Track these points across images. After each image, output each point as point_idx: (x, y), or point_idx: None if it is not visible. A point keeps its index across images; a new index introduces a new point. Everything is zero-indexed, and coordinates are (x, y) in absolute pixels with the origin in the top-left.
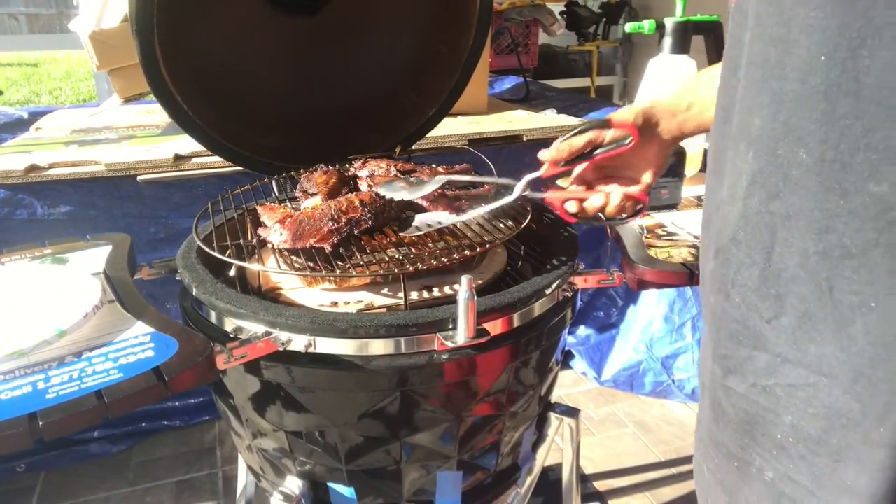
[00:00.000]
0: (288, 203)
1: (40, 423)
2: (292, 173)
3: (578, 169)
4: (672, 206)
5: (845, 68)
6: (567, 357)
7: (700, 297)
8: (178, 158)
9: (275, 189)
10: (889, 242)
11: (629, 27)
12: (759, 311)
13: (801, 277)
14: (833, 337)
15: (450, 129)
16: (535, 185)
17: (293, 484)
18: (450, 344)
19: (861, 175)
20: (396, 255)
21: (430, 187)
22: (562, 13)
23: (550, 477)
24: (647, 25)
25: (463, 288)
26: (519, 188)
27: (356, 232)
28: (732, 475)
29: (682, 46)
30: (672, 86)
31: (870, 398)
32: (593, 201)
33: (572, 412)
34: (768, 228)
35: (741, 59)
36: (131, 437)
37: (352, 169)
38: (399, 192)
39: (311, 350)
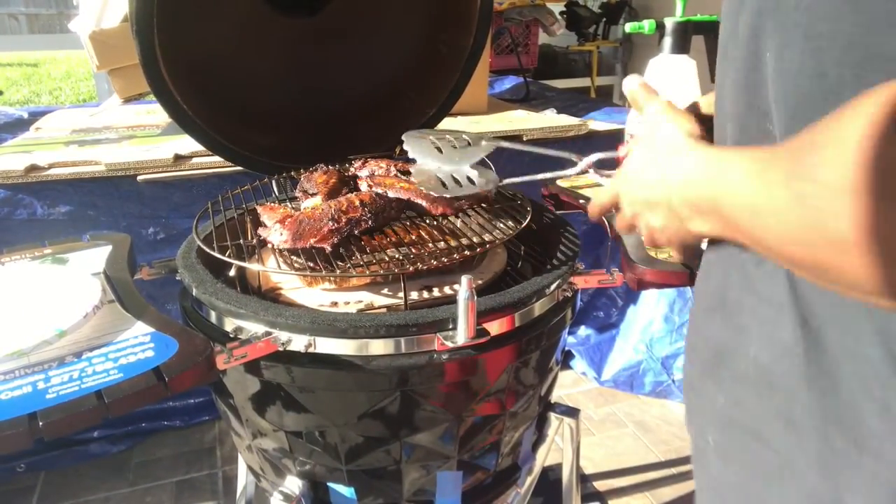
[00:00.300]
0: (288, 203)
1: (40, 423)
2: (292, 173)
3: None
4: None
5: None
6: (567, 357)
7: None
8: (178, 158)
9: (275, 189)
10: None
11: (629, 27)
12: (730, 251)
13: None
14: (785, 276)
15: (450, 129)
16: (601, 165)
17: (293, 484)
18: (450, 344)
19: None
20: (396, 255)
21: (479, 154)
22: (562, 13)
23: (550, 477)
24: (647, 25)
25: (463, 288)
26: (584, 163)
27: (356, 232)
28: (690, 399)
29: (682, 46)
30: (672, 86)
31: (804, 332)
32: None
33: (572, 412)
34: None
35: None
36: (131, 437)
37: (352, 169)
38: (438, 159)
39: (311, 350)
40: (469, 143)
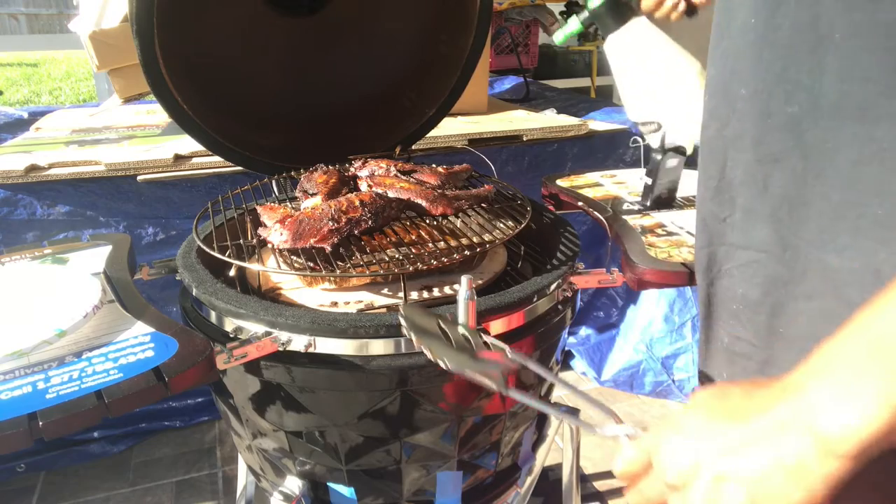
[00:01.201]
0: (288, 203)
1: (40, 423)
2: (292, 173)
3: None
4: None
5: (767, 26)
6: (567, 357)
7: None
8: (178, 158)
9: (275, 189)
10: (802, 146)
11: (558, 40)
12: (716, 214)
13: (746, 181)
14: (768, 222)
15: (450, 129)
16: None
17: (293, 484)
18: None
19: (780, 100)
20: (396, 255)
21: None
22: (562, 13)
23: (550, 477)
24: (572, 25)
25: (463, 288)
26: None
27: (356, 232)
28: (702, 348)
29: (624, 15)
30: (642, 59)
31: (793, 263)
32: None
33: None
34: (721, 150)
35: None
36: (131, 438)
37: (352, 169)
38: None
39: (311, 350)
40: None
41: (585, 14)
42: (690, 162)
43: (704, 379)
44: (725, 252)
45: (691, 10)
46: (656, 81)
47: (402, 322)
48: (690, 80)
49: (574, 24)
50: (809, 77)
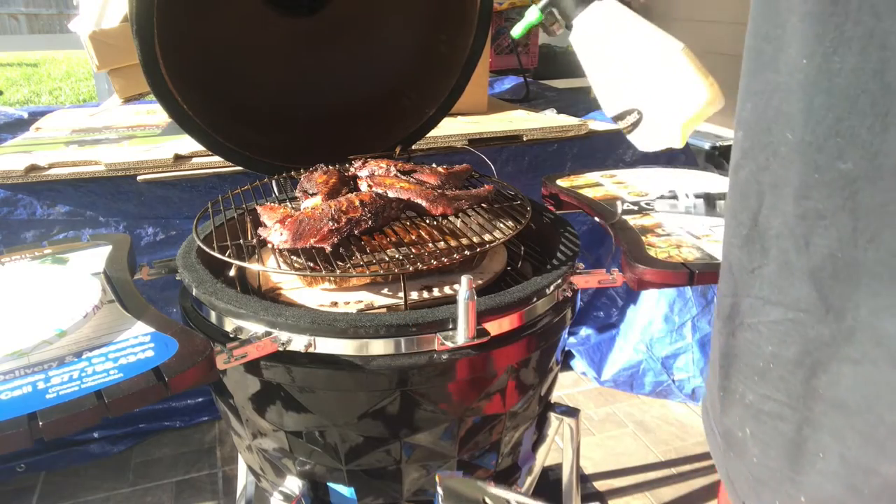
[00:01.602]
0: (288, 203)
1: (40, 423)
2: (292, 173)
3: None
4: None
5: (820, 70)
6: (567, 357)
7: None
8: (178, 158)
9: (275, 189)
10: (852, 208)
11: (516, 33)
12: (744, 264)
13: (784, 234)
14: (808, 280)
15: (450, 129)
16: None
17: (293, 484)
18: (450, 344)
19: (831, 155)
20: (396, 255)
21: None
22: None
23: (550, 477)
24: (532, 15)
25: (463, 288)
26: None
27: (356, 232)
28: (716, 403)
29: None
30: (613, 43)
31: (839, 324)
32: None
33: (572, 412)
34: (756, 195)
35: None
36: (131, 438)
37: (352, 169)
38: None
39: (311, 350)
40: None
41: (543, 1)
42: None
43: (726, 433)
44: (751, 305)
45: None
46: (634, 66)
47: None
48: (674, 61)
49: (533, 14)
50: (869, 133)
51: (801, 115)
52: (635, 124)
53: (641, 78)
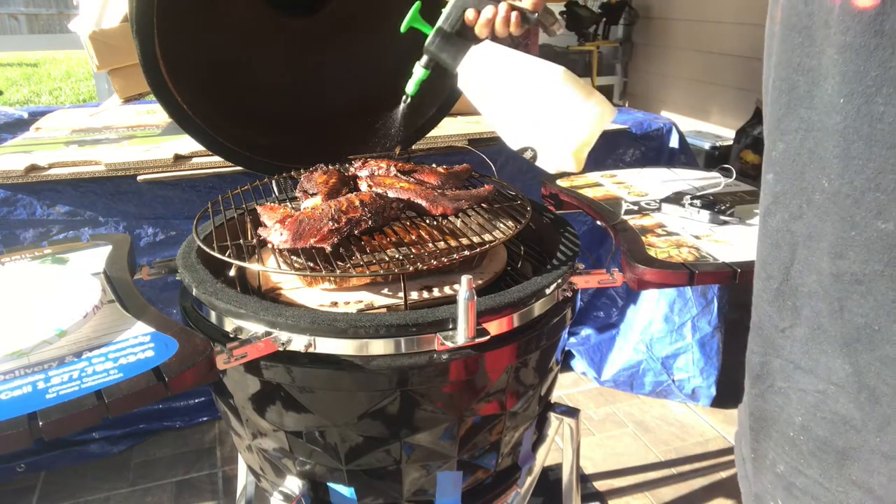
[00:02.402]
0: (288, 203)
1: (40, 423)
2: (292, 173)
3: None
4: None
5: (860, 113)
6: (567, 357)
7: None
8: (178, 158)
9: (275, 189)
10: (891, 275)
11: (410, 90)
12: (774, 322)
13: (817, 293)
14: (841, 351)
15: (450, 129)
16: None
17: (293, 484)
18: (450, 344)
19: (870, 212)
20: (396, 255)
21: None
22: (562, 13)
23: (550, 477)
24: (419, 72)
25: (463, 288)
26: None
27: (356, 232)
28: (749, 465)
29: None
30: (499, 75)
31: (871, 409)
32: (486, 13)
33: (572, 412)
34: (789, 246)
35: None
36: (131, 438)
37: (352, 169)
38: None
39: (311, 350)
40: None
41: (425, 57)
42: (689, 160)
43: (757, 498)
44: (782, 367)
45: (526, 18)
46: (521, 101)
47: None
48: (555, 88)
49: (419, 71)
50: None
51: (838, 161)
52: (533, 159)
53: (530, 111)
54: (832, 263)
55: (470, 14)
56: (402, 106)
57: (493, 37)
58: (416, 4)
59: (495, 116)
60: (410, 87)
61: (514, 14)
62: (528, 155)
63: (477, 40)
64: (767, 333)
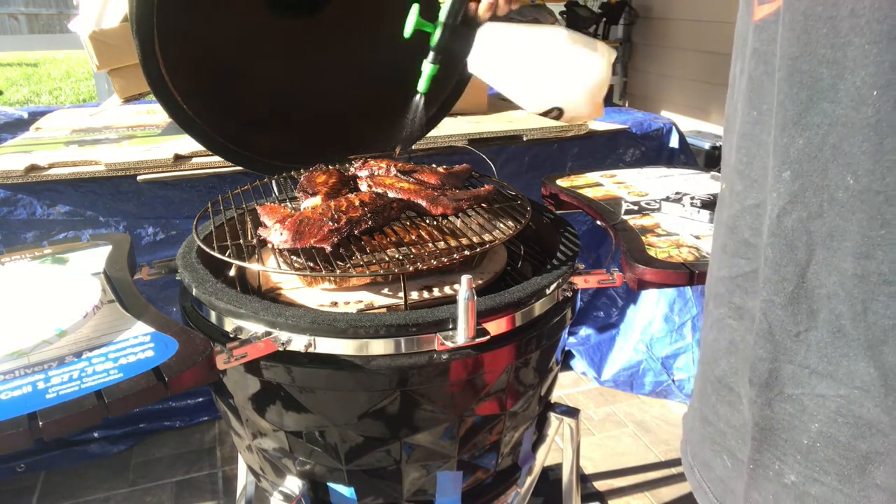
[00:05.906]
0: (288, 203)
1: (40, 423)
2: (292, 173)
3: None
4: None
5: (895, 107)
6: (567, 357)
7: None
8: (178, 158)
9: (275, 189)
10: None
11: (422, 87)
12: (787, 327)
13: (838, 295)
14: (865, 354)
15: (450, 129)
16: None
17: (293, 484)
18: (450, 344)
19: None
20: (396, 255)
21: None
22: (562, 13)
23: (550, 477)
24: (428, 68)
25: (463, 288)
26: None
27: (356, 232)
28: (741, 477)
29: (467, 34)
30: (509, 51)
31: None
32: None
33: (572, 412)
34: (804, 248)
35: (777, 69)
36: (131, 438)
37: (352, 169)
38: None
39: (311, 350)
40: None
41: (432, 54)
42: (689, 160)
43: None
44: (794, 374)
45: None
46: (535, 67)
47: None
48: (564, 49)
49: (427, 67)
50: None
51: (868, 157)
52: (558, 116)
53: (545, 75)
54: (857, 264)
55: (472, 3)
56: (418, 105)
57: (495, 16)
58: (416, 7)
59: (513, 88)
60: (422, 84)
61: None
62: (553, 115)
63: (480, 24)
64: (779, 339)
